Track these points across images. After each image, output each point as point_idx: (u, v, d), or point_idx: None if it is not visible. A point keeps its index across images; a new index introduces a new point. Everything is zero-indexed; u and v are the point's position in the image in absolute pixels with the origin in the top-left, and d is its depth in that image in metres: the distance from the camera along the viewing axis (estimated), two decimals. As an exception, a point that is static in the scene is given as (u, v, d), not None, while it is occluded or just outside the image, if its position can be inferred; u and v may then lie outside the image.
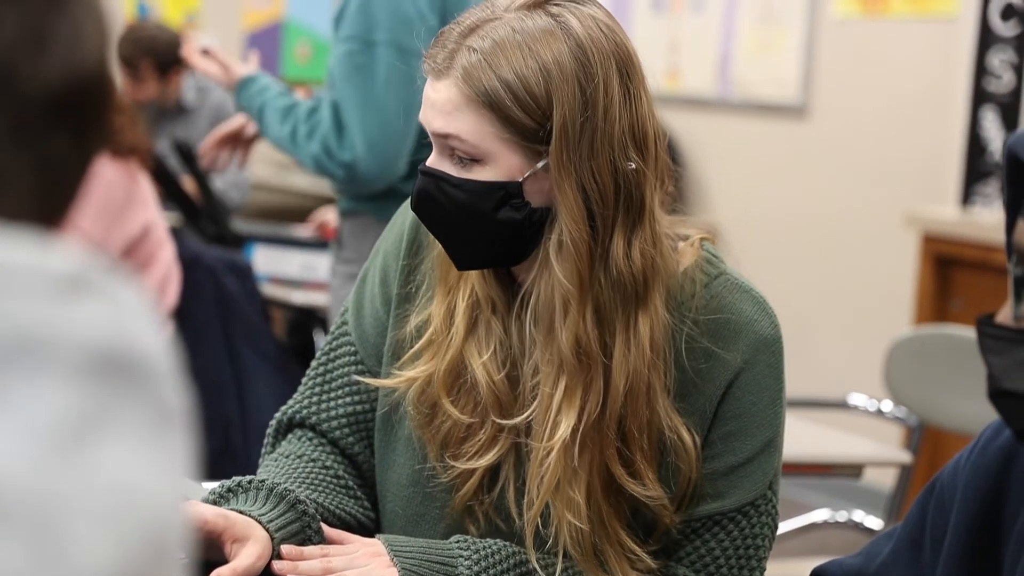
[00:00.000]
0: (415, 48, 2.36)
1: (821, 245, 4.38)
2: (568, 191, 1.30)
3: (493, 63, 1.30)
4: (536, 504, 1.36)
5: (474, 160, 1.32)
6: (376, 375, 1.50)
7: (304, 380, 1.55)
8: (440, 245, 1.41)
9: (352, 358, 1.52)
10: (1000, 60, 3.90)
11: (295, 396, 1.55)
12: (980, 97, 3.94)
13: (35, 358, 0.53)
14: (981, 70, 3.94)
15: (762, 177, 4.51)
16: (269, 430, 1.55)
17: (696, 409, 1.39)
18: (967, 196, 3.97)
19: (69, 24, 0.61)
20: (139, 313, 0.57)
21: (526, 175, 1.32)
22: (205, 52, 2.64)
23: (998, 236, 3.75)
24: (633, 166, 1.32)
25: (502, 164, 1.32)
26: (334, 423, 1.51)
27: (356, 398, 1.51)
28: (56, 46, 0.60)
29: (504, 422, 1.40)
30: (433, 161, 1.36)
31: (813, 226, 4.38)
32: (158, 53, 4.29)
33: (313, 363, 1.55)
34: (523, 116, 1.30)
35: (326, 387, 1.53)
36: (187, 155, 3.71)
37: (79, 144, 0.61)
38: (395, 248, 1.50)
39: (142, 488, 0.54)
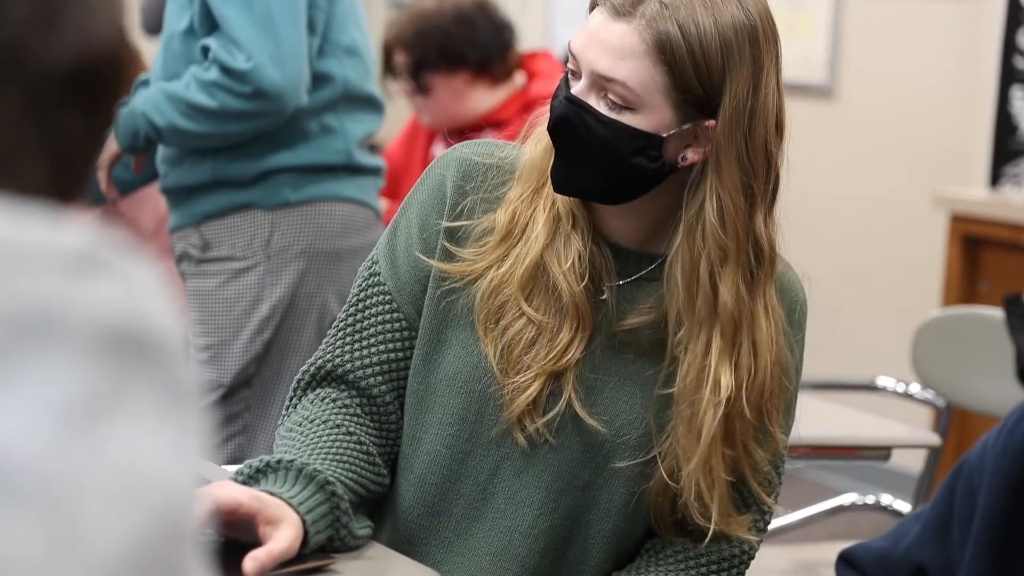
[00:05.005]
0: None
1: (849, 226, 4.36)
2: (732, 162, 1.37)
3: (683, 24, 1.34)
4: (696, 459, 1.41)
5: (626, 106, 1.37)
6: (412, 323, 1.51)
7: (331, 331, 1.54)
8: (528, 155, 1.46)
9: (387, 306, 1.52)
10: (1030, 39, 3.86)
11: (322, 347, 1.54)
12: (1009, 76, 3.90)
13: (47, 336, 0.52)
14: (1010, 48, 3.90)
15: (789, 158, 4.48)
16: (295, 384, 1.54)
17: None
18: (996, 176, 3.94)
19: (81, 3, 0.60)
20: (152, 291, 0.56)
21: (671, 132, 1.38)
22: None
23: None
24: (780, 154, 1.42)
25: (653, 116, 1.37)
26: (368, 371, 1.51)
27: (391, 345, 1.51)
28: (67, 25, 0.60)
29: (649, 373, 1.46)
30: (581, 92, 1.39)
31: (840, 207, 4.36)
32: None
33: (341, 314, 1.54)
34: (695, 82, 1.35)
35: (358, 335, 1.52)
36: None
37: (91, 121, 0.61)
38: (433, 202, 1.51)
39: (155, 467, 0.54)
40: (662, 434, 1.45)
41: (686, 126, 1.38)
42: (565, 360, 1.44)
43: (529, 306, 1.44)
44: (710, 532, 1.43)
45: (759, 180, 1.40)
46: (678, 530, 1.49)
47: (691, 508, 1.43)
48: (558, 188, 1.43)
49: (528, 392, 1.44)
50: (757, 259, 1.41)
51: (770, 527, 1.52)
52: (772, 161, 1.41)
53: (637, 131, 1.37)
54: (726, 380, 1.40)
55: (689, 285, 1.41)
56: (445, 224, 1.49)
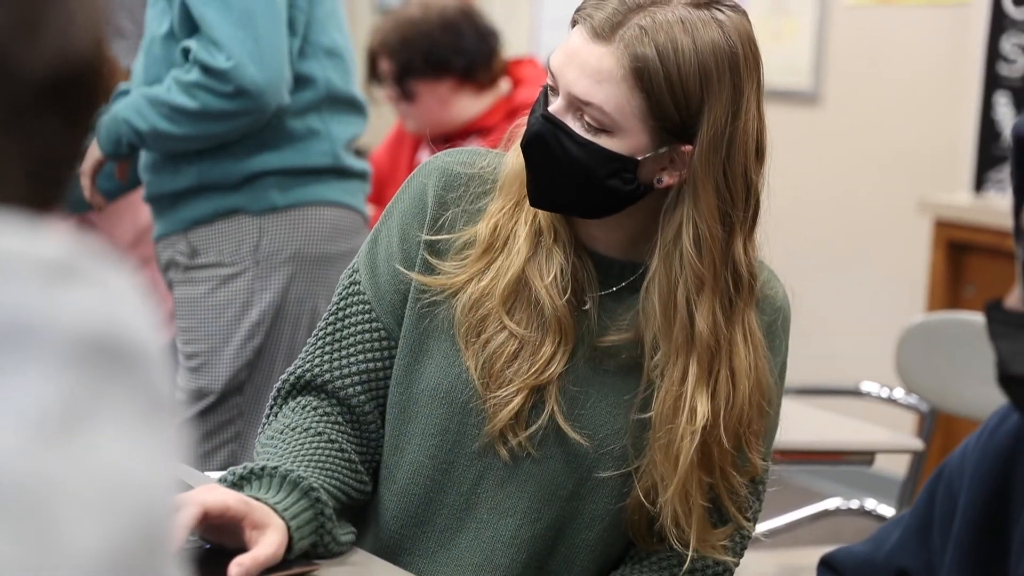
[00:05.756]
0: None
1: (834, 231, 4.37)
2: (709, 189, 1.37)
3: (661, 49, 1.33)
4: (673, 487, 1.41)
5: (601, 128, 1.36)
6: (391, 333, 1.50)
7: (311, 340, 1.54)
8: (509, 162, 1.46)
9: (366, 315, 1.52)
10: (1013, 45, 3.88)
11: (302, 356, 1.54)
12: (993, 82, 3.92)
13: (24, 345, 0.53)
14: (994, 55, 3.91)
15: (774, 164, 4.49)
16: (274, 392, 1.54)
17: None
18: (980, 182, 3.95)
19: (62, 12, 0.60)
20: (129, 299, 0.56)
21: (646, 155, 1.37)
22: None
23: (1011, 221, 3.72)
24: (761, 180, 1.40)
25: (628, 140, 1.37)
26: (347, 380, 1.51)
27: (370, 355, 1.51)
28: (49, 33, 0.60)
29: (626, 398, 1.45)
30: (558, 111, 1.39)
31: (826, 213, 4.37)
32: None
33: (320, 323, 1.54)
34: (672, 109, 1.35)
35: (337, 345, 1.52)
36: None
37: (70, 130, 0.61)
38: (414, 212, 1.51)
39: (133, 474, 0.54)
40: (638, 451, 1.45)
41: (662, 150, 1.37)
42: (548, 374, 1.44)
43: (511, 320, 1.44)
44: (688, 558, 1.43)
45: (737, 208, 1.39)
46: (658, 544, 1.49)
47: (669, 533, 1.43)
48: (534, 202, 1.43)
49: (511, 406, 1.44)
50: (736, 287, 1.40)
51: (755, 531, 1.53)
52: (752, 188, 1.39)
53: (612, 153, 1.37)
54: (702, 408, 1.39)
55: (666, 311, 1.40)
56: (425, 237, 1.49)
